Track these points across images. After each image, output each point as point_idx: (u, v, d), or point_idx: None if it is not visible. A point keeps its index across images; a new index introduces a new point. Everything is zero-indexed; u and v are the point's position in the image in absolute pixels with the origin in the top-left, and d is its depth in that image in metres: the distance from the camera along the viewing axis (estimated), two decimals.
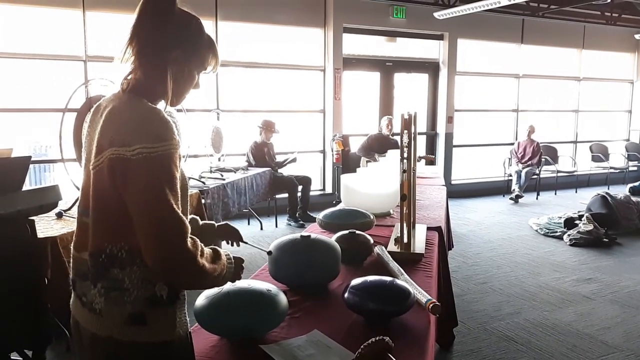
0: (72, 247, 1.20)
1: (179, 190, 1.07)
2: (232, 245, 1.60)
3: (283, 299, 1.45)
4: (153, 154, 1.02)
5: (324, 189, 7.48)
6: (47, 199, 2.49)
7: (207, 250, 1.13)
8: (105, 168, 1.05)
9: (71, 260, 1.20)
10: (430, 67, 8.20)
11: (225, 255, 1.21)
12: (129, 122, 1.07)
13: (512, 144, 8.59)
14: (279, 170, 6.24)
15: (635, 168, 9.83)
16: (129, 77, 1.16)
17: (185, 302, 1.21)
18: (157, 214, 1.02)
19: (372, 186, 2.92)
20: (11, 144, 4.88)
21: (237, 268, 1.26)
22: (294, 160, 6.30)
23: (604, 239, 5.38)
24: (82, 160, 1.19)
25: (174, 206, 1.03)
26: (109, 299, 1.10)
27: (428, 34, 7.85)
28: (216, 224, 1.53)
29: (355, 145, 7.27)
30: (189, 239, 1.05)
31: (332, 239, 1.98)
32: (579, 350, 3.02)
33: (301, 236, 1.81)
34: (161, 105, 1.19)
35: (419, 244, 2.27)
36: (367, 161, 6.35)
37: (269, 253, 1.76)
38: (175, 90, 1.18)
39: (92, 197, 1.10)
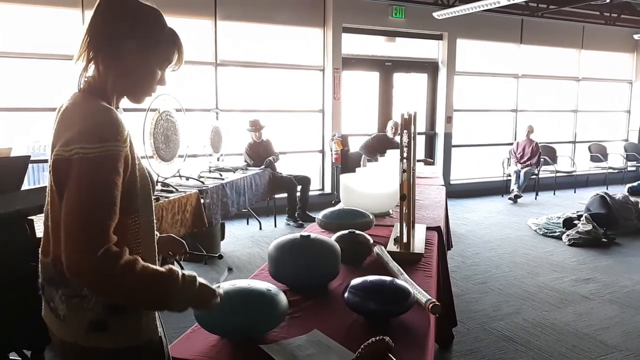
0: (39, 252, 1.17)
1: (117, 195, 1.01)
2: (176, 260, 1.48)
3: (283, 298, 1.45)
4: (89, 155, 0.98)
5: (322, 189, 7.47)
6: (45, 198, 2.48)
7: (143, 267, 1.01)
8: (50, 170, 1.04)
9: (39, 265, 1.16)
10: (429, 67, 8.20)
11: (188, 279, 1.07)
12: (74, 121, 1.04)
13: (511, 144, 8.59)
14: (278, 170, 6.23)
15: (634, 168, 9.83)
16: (87, 76, 1.13)
17: None
18: (76, 216, 0.97)
19: (372, 186, 2.92)
20: (10, 143, 4.87)
21: (201, 296, 1.11)
22: (276, 159, 6.21)
23: (603, 239, 5.39)
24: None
25: (97, 212, 0.98)
26: (70, 305, 1.08)
27: (427, 34, 7.85)
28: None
29: (354, 145, 7.27)
30: (104, 249, 0.96)
31: (331, 238, 1.98)
32: (578, 350, 3.02)
33: (301, 236, 1.81)
34: (123, 103, 1.17)
35: (418, 244, 2.27)
36: (367, 160, 6.35)
37: (220, 257, 1.97)
38: (133, 85, 1.15)
39: (50, 201, 1.09)
